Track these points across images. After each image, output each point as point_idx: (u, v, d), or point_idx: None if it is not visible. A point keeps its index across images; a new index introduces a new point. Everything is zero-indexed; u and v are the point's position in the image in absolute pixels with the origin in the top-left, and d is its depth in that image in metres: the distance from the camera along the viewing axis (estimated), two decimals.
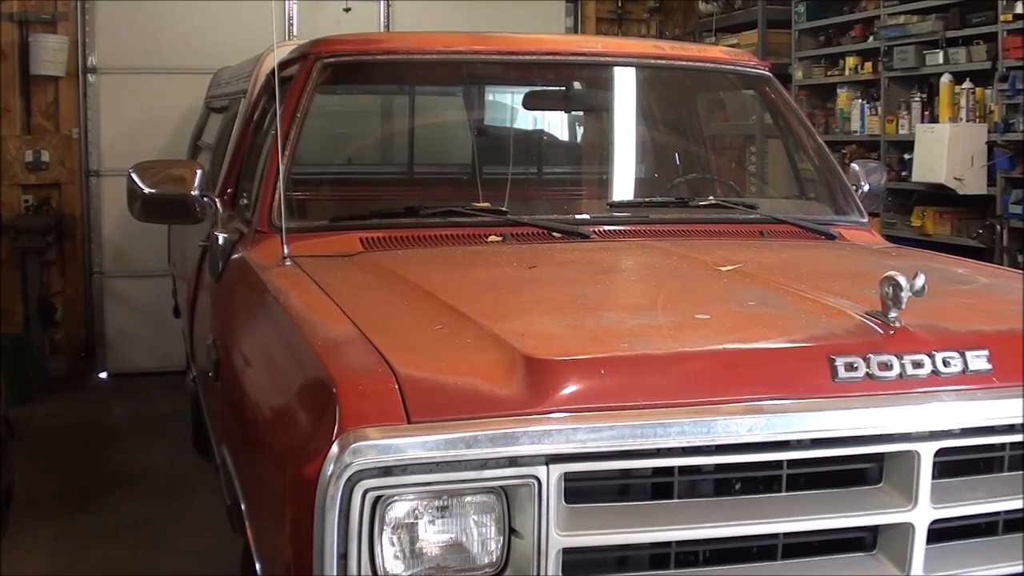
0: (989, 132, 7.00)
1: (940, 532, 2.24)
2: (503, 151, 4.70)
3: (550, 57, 4.06)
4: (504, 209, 3.52)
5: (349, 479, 1.95)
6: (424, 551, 2.05)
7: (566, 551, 2.05)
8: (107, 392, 8.18)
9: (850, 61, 8.32)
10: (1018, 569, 2.29)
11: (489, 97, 5.35)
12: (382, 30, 8.52)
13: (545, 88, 4.86)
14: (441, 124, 5.80)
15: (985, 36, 7.06)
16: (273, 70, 3.54)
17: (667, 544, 2.14)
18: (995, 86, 6.96)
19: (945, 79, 7.30)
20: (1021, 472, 2.33)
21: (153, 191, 3.53)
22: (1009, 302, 2.72)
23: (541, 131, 5.45)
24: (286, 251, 3.16)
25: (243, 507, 2.63)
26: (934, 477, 2.19)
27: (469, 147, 4.94)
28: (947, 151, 7.00)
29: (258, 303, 3.04)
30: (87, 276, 8.44)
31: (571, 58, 4.09)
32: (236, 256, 3.55)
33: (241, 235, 3.63)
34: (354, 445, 1.95)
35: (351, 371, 2.16)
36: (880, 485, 2.24)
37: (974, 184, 7.04)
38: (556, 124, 5.62)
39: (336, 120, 5.66)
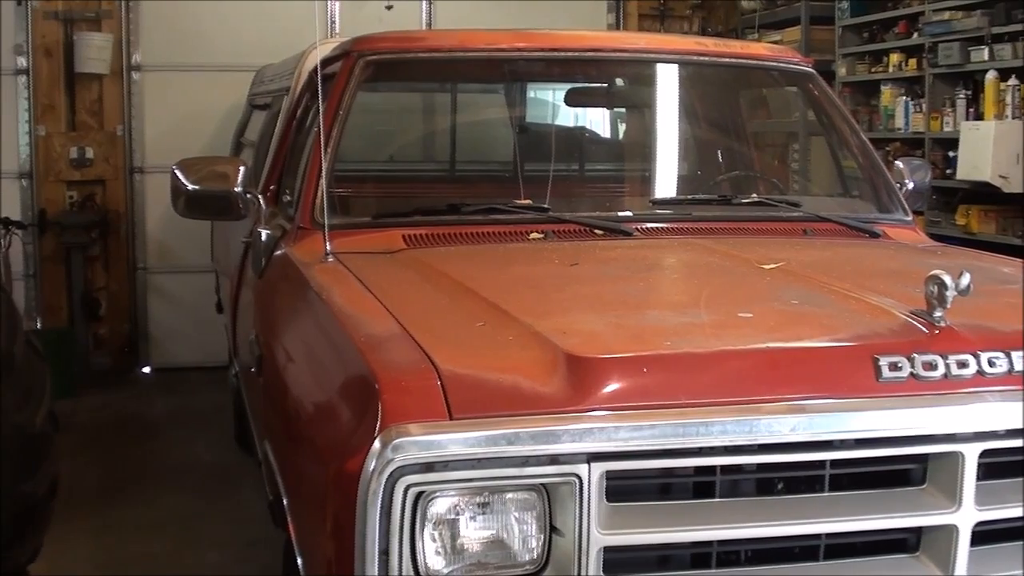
0: None
1: (984, 535, 2.22)
2: (545, 148, 4.69)
3: (592, 54, 4.05)
4: (546, 206, 3.52)
5: (391, 475, 1.95)
6: (465, 547, 2.05)
7: (607, 550, 2.05)
8: (150, 386, 8.25)
9: (894, 58, 8.25)
10: None
11: (531, 94, 5.35)
12: (424, 28, 8.53)
13: (587, 85, 4.85)
14: (483, 121, 5.81)
15: None
16: (316, 67, 3.55)
17: (708, 544, 2.13)
18: None
19: (990, 75, 7.23)
20: None
21: (197, 188, 3.54)
22: None
23: (583, 128, 5.44)
24: (329, 248, 3.17)
25: (285, 502, 2.64)
26: (978, 479, 2.17)
27: (511, 144, 4.94)
28: (992, 148, 6.94)
29: (301, 299, 3.05)
30: (131, 272, 8.50)
31: (613, 55, 4.09)
32: (279, 252, 3.56)
33: (284, 232, 3.64)
34: (396, 441, 1.95)
35: (393, 367, 2.17)
36: (924, 486, 2.22)
37: (1019, 182, 6.97)
38: (598, 121, 5.60)
39: (378, 117, 5.67)
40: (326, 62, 3.89)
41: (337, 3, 8.38)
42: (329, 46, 4.24)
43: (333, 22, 8.36)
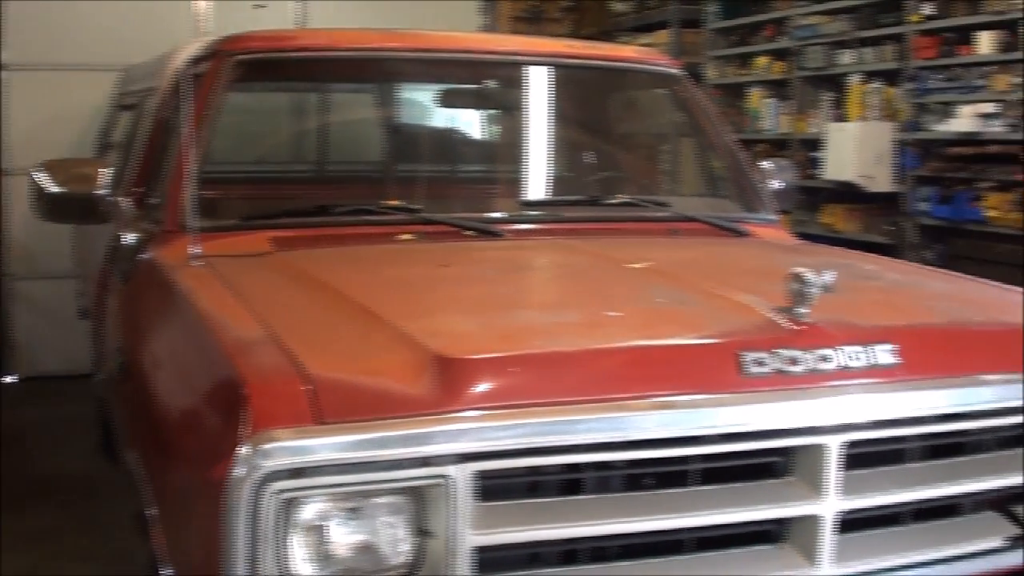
0: (897, 131, 7.11)
1: (854, 523, 2.27)
2: (416, 149, 4.69)
3: (463, 55, 4.05)
4: (417, 207, 3.50)
5: (259, 481, 1.92)
6: (335, 553, 2.03)
7: (479, 549, 2.05)
8: (15, 396, 8.03)
9: (761, 61, 8.41)
10: (926, 557, 2.33)
11: (402, 95, 5.32)
12: (296, 28, 8.45)
13: (458, 86, 4.84)
14: (355, 122, 5.77)
15: (894, 37, 7.17)
16: (182, 67, 3.49)
17: (579, 540, 2.14)
18: (904, 85, 7.07)
19: (854, 78, 7.40)
20: (928, 463, 2.37)
21: (57, 190, 3.46)
22: (917, 297, 2.77)
23: (454, 129, 5.43)
24: (195, 251, 3.11)
25: (152, 511, 2.59)
26: (844, 469, 2.22)
27: (382, 145, 4.91)
28: (857, 149, 7.10)
29: (167, 304, 2.99)
30: None
31: (484, 56, 4.09)
32: (144, 256, 3.49)
33: (150, 235, 3.57)
34: (264, 446, 1.92)
35: (261, 371, 2.13)
36: (789, 478, 2.27)
37: (882, 181, 7.15)
38: (470, 122, 5.59)
39: (248, 118, 5.59)
40: (195, 61, 3.83)
41: (211, 2, 8.27)
42: (198, 45, 4.17)
43: (203, 21, 8.24)
